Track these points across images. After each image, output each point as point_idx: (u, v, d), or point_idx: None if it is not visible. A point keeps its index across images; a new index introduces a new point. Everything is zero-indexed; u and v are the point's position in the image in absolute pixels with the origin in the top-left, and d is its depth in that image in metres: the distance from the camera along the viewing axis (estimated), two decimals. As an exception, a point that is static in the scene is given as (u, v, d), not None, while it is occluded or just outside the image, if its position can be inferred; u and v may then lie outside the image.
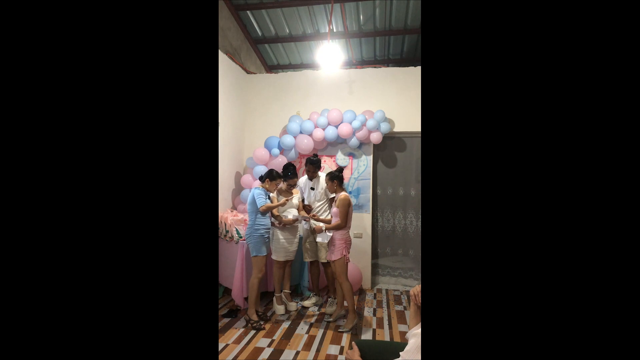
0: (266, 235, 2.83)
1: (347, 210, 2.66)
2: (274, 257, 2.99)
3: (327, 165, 3.84)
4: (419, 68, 3.75)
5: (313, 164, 3.06)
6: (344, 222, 2.66)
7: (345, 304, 2.79)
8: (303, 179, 3.21)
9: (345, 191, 2.77)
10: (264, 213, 2.79)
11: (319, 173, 3.13)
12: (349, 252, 2.73)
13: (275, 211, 2.90)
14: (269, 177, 2.85)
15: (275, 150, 3.61)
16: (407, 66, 3.88)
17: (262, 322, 2.78)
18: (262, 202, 2.75)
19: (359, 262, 3.75)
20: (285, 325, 2.80)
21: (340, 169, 2.82)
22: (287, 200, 2.89)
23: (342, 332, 2.68)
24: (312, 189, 3.13)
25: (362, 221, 3.79)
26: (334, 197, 2.83)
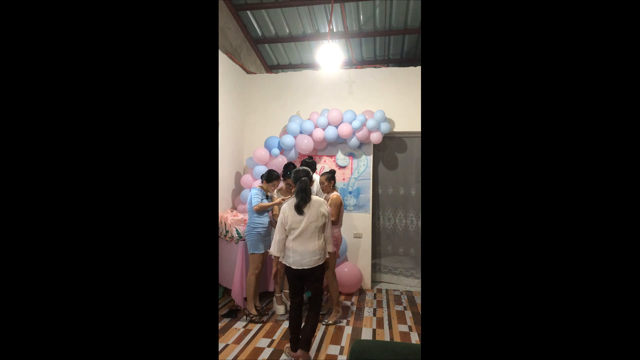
0: (263, 233, 2.87)
1: (339, 209, 2.87)
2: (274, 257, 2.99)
3: (327, 165, 3.85)
4: (419, 68, 3.75)
5: (308, 166, 3.07)
6: (336, 219, 2.85)
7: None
8: None
9: (337, 191, 2.98)
10: (259, 212, 2.83)
11: (314, 175, 3.14)
12: (338, 249, 2.92)
13: (275, 209, 2.91)
14: (266, 178, 2.90)
15: (275, 150, 3.60)
16: (407, 66, 3.88)
17: (261, 317, 2.83)
18: (257, 201, 2.83)
19: (359, 262, 3.75)
20: (285, 325, 2.79)
21: (332, 171, 3.01)
22: (283, 199, 2.89)
23: (327, 324, 2.79)
24: None
25: (362, 221, 3.79)
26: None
